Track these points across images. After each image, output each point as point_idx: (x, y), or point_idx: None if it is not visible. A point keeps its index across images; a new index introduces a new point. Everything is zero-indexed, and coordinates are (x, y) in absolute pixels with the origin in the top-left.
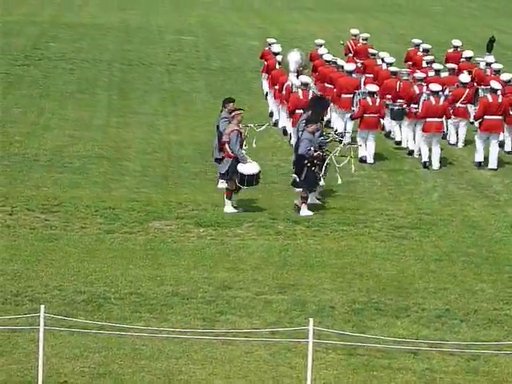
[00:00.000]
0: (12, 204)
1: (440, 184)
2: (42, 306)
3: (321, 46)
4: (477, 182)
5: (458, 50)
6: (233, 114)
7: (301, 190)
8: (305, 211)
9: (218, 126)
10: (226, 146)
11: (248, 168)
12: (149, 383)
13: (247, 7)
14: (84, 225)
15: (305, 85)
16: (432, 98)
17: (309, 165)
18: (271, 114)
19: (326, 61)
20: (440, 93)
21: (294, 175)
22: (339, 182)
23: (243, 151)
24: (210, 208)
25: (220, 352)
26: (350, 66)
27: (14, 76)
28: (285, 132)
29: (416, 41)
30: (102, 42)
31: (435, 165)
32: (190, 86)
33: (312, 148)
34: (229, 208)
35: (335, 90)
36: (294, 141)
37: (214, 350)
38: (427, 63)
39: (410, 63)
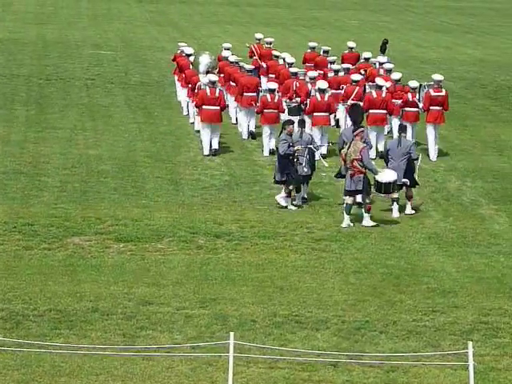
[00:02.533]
0: None
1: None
2: None
3: (227, 49)
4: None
5: (353, 50)
6: (355, 132)
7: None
8: (368, 221)
9: (277, 148)
10: (356, 163)
11: (387, 176)
12: None
13: (166, 22)
14: (2, 241)
15: (212, 83)
16: (318, 95)
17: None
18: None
19: (231, 62)
20: (328, 89)
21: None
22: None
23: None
24: (130, 223)
25: (140, 368)
26: (249, 66)
27: None
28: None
29: (312, 44)
30: (19, 57)
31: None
32: (109, 100)
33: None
34: (368, 222)
35: (237, 88)
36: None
37: (134, 366)
38: (331, 63)
39: (309, 65)
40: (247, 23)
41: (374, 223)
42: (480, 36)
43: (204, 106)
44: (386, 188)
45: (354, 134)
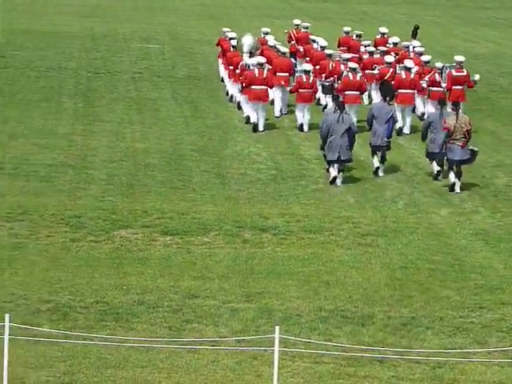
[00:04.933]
0: None
1: (405, 192)
2: (7, 315)
3: (266, 33)
4: (442, 190)
5: (385, 36)
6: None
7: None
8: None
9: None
10: (470, 133)
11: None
12: None
13: (213, 15)
14: (49, 233)
15: (260, 64)
16: (350, 75)
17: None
18: (227, 93)
19: (270, 46)
20: (358, 69)
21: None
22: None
23: None
24: (176, 216)
25: (186, 361)
26: (283, 49)
27: None
28: (239, 107)
29: (346, 29)
30: (68, 50)
31: None
32: (156, 94)
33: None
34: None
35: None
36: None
37: (179, 359)
38: (365, 46)
39: (343, 48)
40: (295, 17)
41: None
42: None
43: (252, 87)
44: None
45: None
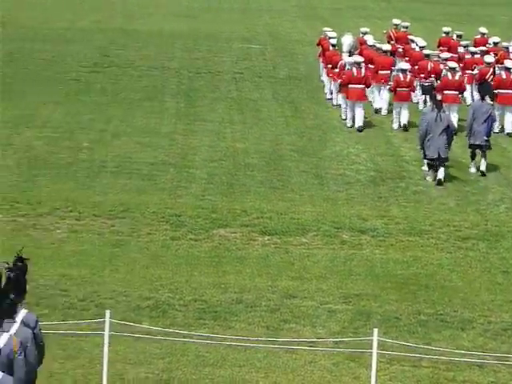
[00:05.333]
0: (79, 210)
1: (507, 195)
2: (108, 312)
3: (364, 33)
4: None
5: (485, 36)
6: None
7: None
8: None
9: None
10: None
11: None
12: None
13: (315, 16)
14: (150, 231)
15: (358, 63)
16: (449, 74)
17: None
18: (326, 93)
19: (369, 45)
20: (458, 69)
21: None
22: None
23: None
24: (275, 216)
25: (283, 361)
26: (386, 47)
27: (83, 83)
28: (337, 105)
29: (446, 29)
30: (170, 50)
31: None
32: (257, 94)
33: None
34: None
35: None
36: (345, 114)
37: (277, 359)
38: (464, 47)
39: (443, 48)
40: (395, 18)
41: None
42: None
43: (350, 85)
44: None
45: None
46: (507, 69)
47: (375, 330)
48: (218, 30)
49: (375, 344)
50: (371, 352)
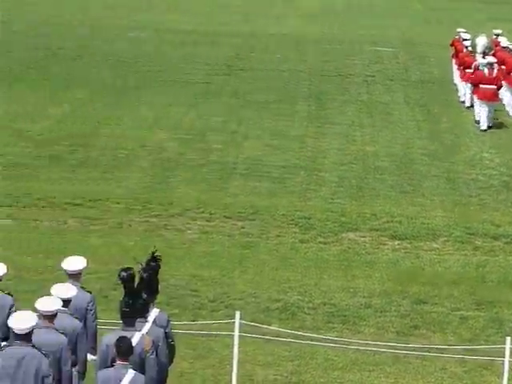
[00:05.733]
0: (210, 211)
1: None
2: (238, 313)
3: (498, 35)
4: None
5: None
6: None
7: None
8: None
9: None
10: None
11: None
12: None
13: (448, 19)
14: (279, 233)
15: (490, 64)
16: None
17: None
18: (459, 95)
19: (503, 47)
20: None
21: None
22: None
23: None
24: (405, 221)
25: (413, 366)
26: None
27: (214, 85)
28: (471, 106)
29: None
30: (302, 53)
31: None
32: (388, 97)
33: None
34: None
35: (505, 68)
36: (479, 116)
37: (407, 365)
38: None
39: None
40: None
41: None
42: None
43: (481, 85)
44: None
45: None
46: None
47: (508, 339)
48: (348, 32)
49: (507, 352)
50: (503, 360)
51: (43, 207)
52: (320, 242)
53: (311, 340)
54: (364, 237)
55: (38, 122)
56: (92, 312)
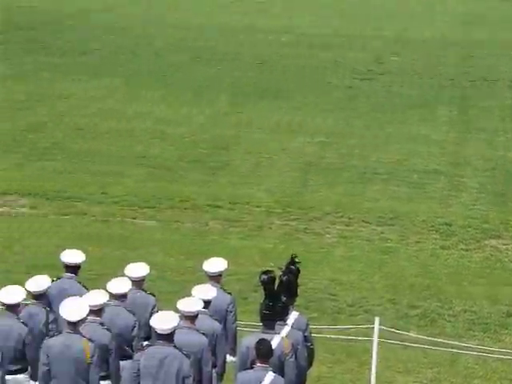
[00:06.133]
0: (349, 215)
1: None
2: (377, 318)
3: None
4: None
5: None
6: None
7: None
8: None
9: None
10: None
11: None
12: None
13: None
14: (419, 239)
15: None
16: None
17: None
18: None
19: None
20: None
21: None
22: None
23: None
24: None
25: None
26: None
27: (355, 89)
28: None
29: None
30: (444, 57)
31: None
32: None
33: None
34: None
35: None
36: None
37: None
38: None
39: None
40: None
41: None
42: None
43: None
44: None
45: None
46: None
47: None
48: (492, 36)
49: None
50: None
51: (185, 209)
52: (461, 249)
53: (451, 347)
54: (507, 244)
55: (182, 125)
56: (232, 314)
